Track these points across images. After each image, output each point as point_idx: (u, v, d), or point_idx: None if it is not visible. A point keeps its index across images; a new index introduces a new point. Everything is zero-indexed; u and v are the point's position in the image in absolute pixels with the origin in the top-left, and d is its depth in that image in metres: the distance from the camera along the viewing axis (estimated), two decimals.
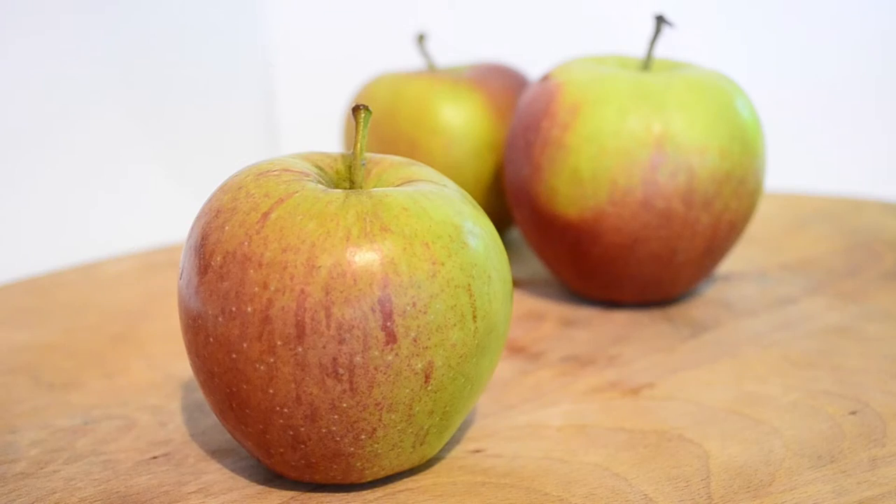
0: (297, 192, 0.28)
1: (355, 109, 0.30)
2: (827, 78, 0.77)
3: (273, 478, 0.31)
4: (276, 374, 0.27)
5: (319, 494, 0.30)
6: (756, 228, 0.52)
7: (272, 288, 0.26)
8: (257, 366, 0.27)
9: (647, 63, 0.44)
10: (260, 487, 0.30)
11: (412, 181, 0.30)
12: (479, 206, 0.30)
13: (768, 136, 0.44)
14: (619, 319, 0.43)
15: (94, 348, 0.40)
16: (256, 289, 0.27)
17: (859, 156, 0.76)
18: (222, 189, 0.29)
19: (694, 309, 0.44)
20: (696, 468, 0.31)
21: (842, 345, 0.40)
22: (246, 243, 0.27)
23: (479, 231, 0.29)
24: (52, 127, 0.57)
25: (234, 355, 0.27)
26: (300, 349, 0.27)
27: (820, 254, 0.51)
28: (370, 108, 0.30)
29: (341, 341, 0.26)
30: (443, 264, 0.27)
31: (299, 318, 0.26)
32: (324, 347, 0.26)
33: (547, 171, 0.41)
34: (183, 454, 0.32)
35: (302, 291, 0.26)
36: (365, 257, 0.26)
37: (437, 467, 0.31)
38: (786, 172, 0.59)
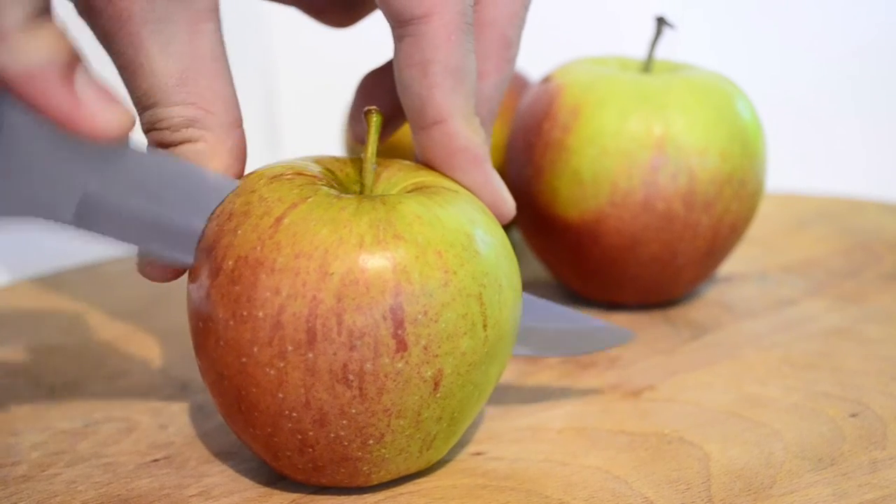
0: (310, 197, 0.28)
1: (366, 113, 0.29)
2: (827, 78, 0.77)
3: (275, 480, 0.31)
4: (286, 378, 0.27)
5: (320, 497, 0.30)
6: (756, 229, 0.52)
7: (284, 293, 0.26)
8: (267, 370, 0.27)
9: (647, 65, 0.44)
10: (261, 490, 0.30)
11: (424, 186, 0.30)
12: (489, 212, 0.30)
13: (768, 137, 0.44)
14: (620, 321, 0.43)
15: (94, 350, 0.40)
16: (268, 294, 0.27)
17: (859, 156, 0.76)
18: (235, 192, 0.29)
19: (694, 311, 0.44)
20: (696, 471, 0.31)
21: (842, 346, 0.40)
22: (258, 248, 0.27)
23: (490, 239, 0.29)
24: None
25: (244, 359, 0.27)
26: (311, 355, 0.26)
27: (820, 255, 0.51)
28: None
29: (352, 348, 0.26)
30: (455, 273, 0.27)
31: (310, 325, 0.26)
32: (334, 354, 0.26)
33: (548, 172, 0.41)
34: (184, 457, 0.32)
35: (314, 298, 0.26)
36: (377, 265, 0.26)
37: (438, 470, 0.31)
38: (786, 173, 0.59)
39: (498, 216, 0.31)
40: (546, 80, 0.44)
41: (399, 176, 0.30)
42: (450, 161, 0.30)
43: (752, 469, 0.31)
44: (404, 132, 0.49)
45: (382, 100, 0.34)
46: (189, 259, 0.29)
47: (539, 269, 0.48)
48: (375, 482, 0.29)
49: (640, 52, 0.46)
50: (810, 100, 0.76)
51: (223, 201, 0.29)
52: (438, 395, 0.28)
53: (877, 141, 0.77)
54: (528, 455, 0.32)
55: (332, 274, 0.26)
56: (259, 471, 0.31)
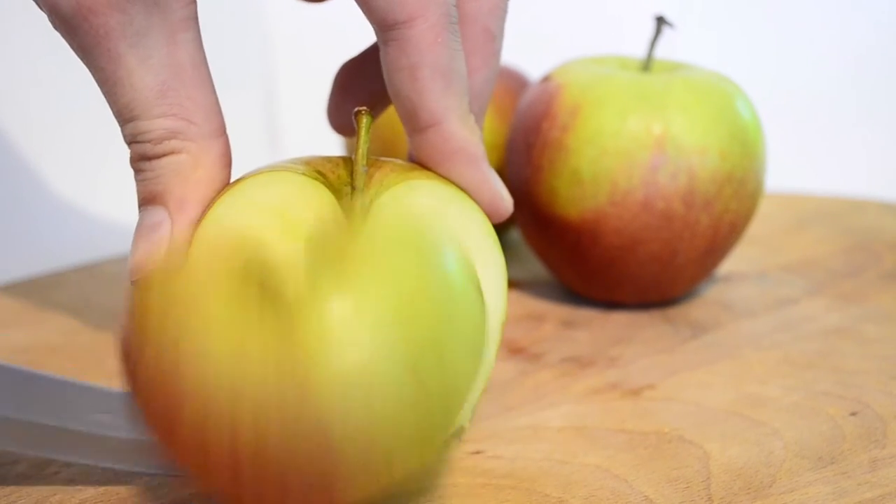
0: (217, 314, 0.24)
1: (356, 114, 0.29)
2: (827, 78, 0.77)
3: None
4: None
5: None
6: (756, 229, 0.52)
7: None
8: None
9: (647, 64, 0.44)
10: None
11: (408, 188, 0.29)
12: (470, 210, 0.29)
13: (769, 136, 0.44)
14: (620, 320, 0.43)
15: (94, 349, 0.40)
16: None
17: (860, 156, 0.76)
18: (136, 285, 0.26)
19: (694, 310, 0.44)
20: (696, 469, 0.31)
21: (842, 346, 0.40)
22: (162, 388, 0.24)
23: (439, 295, 0.25)
24: (52, 127, 0.57)
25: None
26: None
27: (820, 254, 0.51)
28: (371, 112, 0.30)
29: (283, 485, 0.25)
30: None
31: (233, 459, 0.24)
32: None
33: (547, 172, 0.42)
34: None
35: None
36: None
37: (437, 470, 0.31)
38: (786, 172, 0.59)
39: (495, 214, 0.31)
40: (545, 79, 0.44)
41: (391, 177, 0.30)
42: (446, 162, 0.30)
43: (751, 468, 0.31)
44: (401, 130, 0.49)
45: (360, 90, 0.34)
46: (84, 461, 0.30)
47: (538, 268, 0.48)
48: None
49: (640, 51, 0.46)
50: (810, 100, 0.76)
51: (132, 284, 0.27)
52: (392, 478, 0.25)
53: (877, 141, 0.77)
54: (528, 454, 0.32)
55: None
56: None
